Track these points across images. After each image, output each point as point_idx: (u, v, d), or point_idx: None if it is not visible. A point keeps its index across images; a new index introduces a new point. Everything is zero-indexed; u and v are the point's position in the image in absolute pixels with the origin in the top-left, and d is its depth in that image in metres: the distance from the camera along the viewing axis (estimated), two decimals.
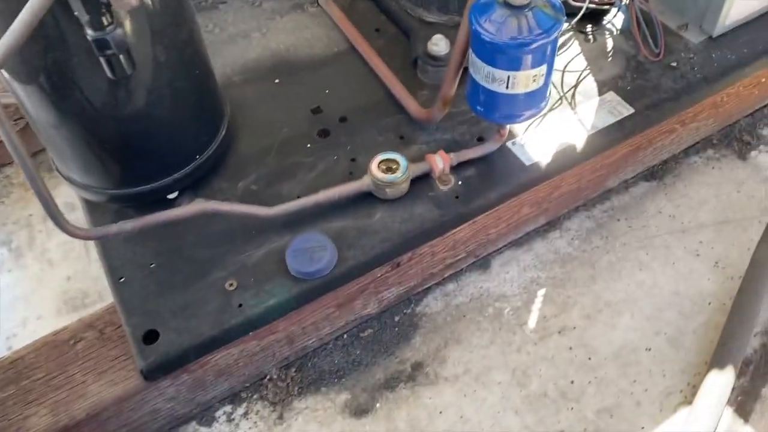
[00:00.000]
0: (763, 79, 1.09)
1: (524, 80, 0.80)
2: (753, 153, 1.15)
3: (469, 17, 0.78)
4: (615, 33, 1.11)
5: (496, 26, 0.77)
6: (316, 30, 1.18)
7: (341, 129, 1.02)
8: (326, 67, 1.12)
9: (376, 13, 1.19)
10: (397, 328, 0.97)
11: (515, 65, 0.79)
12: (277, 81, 1.09)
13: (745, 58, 1.07)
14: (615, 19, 1.13)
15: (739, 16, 1.07)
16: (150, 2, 0.74)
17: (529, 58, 0.78)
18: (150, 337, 0.80)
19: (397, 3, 1.17)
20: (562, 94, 1.03)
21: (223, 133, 0.96)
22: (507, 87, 0.81)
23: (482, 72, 0.81)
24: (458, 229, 0.93)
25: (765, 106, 1.20)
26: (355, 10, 1.21)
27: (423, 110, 0.99)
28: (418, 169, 0.92)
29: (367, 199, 0.91)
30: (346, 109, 1.04)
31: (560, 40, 1.10)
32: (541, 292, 1.00)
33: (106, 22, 0.67)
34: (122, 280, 0.85)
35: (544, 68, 0.80)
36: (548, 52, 0.79)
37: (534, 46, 0.77)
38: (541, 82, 0.82)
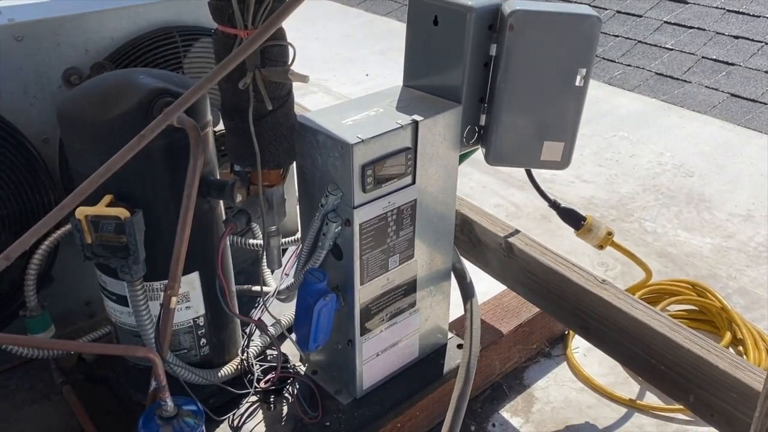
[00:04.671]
0: (399, 424, 1.52)
1: None
2: None
3: (138, 427, 1.13)
4: (290, 401, 1.52)
5: None
6: (58, 417, 1.47)
7: None
8: None
9: (110, 398, 1.52)
10: None
11: None
12: None
13: (378, 412, 1.50)
14: (291, 390, 1.54)
15: (371, 382, 1.53)
16: None
17: None
18: None
19: (125, 391, 1.50)
20: None
21: None
22: None
23: None
24: None
25: None
26: (95, 394, 1.53)
27: None
28: None
29: None
30: None
31: (249, 411, 1.48)
32: None
33: None
34: None
35: None
36: None
37: None
38: None
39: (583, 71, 1.35)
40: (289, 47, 1.15)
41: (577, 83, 1.36)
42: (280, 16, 0.78)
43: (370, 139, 1.25)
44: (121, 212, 1.15)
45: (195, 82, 1.29)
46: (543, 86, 1.38)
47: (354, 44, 4.61)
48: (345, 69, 4.15)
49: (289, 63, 1.16)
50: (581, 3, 4.45)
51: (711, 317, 1.99)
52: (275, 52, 1.12)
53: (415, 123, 1.31)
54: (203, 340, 1.42)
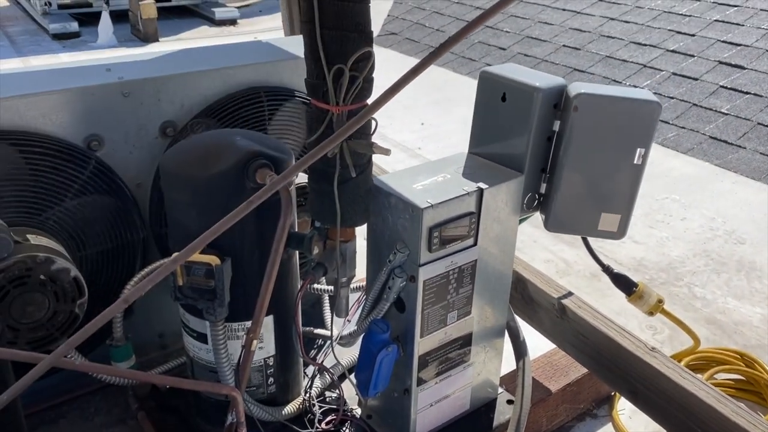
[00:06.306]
0: None
1: None
2: None
3: None
4: None
5: None
6: None
7: None
8: None
9: (180, 426, 1.63)
10: None
11: None
12: None
13: None
14: None
15: (424, 430, 1.61)
16: None
17: None
18: None
19: (195, 420, 1.61)
20: None
21: None
22: None
23: None
24: None
25: None
26: (166, 422, 1.64)
27: None
28: None
29: None
30: None
31: None
32: None
33: None
34: None
35: None
36: None
37: None
38: None
39: (642, 151, 1.44)
40: (372, 120, 1.28)
41: (635, 161, 1.45)
42: (385, 98, 0.90)
43: (438, 204, 1.35)
44: (213, 260, 1.28)
45: (284, 145, 1.43)
46: (603, 162, 1.47)
47: (411, 93, 4.76)
48: (401, 117, 4.30)
49: (371, 133, 1.29)
50: (635, 61, 4.53)
51: (758, 388, 2.01)
52: (361, 126, 1.24)
53: (480, 190, 1.41)
54: (271, 379, 1.53)
